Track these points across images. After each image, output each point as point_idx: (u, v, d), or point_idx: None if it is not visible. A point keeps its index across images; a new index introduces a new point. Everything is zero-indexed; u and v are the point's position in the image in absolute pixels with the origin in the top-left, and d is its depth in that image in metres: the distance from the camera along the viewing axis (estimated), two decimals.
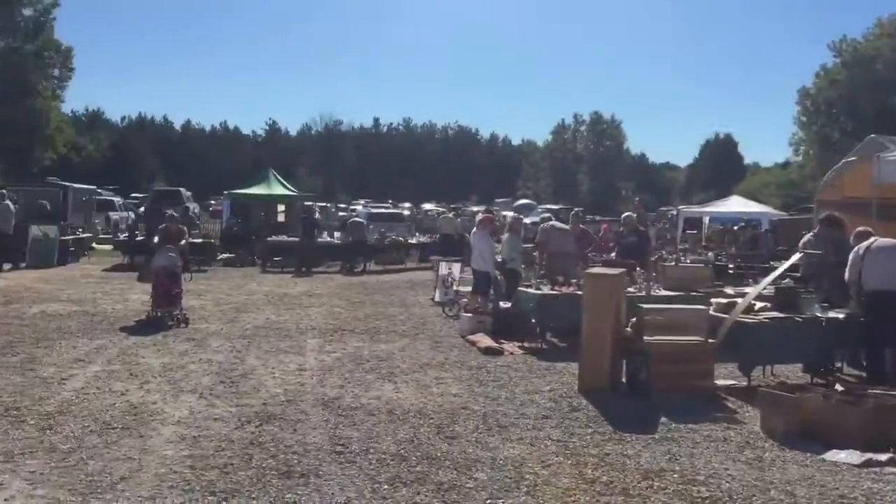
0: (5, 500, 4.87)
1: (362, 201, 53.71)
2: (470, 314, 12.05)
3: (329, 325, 12.39)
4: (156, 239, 12.97)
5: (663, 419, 7.26)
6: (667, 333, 8.45)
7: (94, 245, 26.46)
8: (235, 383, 8.21)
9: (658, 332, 8.43)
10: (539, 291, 11.06)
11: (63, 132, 48.96)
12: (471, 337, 11.23)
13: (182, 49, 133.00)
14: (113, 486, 5.12)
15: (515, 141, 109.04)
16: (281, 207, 29.49)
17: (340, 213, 40.29)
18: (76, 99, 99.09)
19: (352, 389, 8.12)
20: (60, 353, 9.60)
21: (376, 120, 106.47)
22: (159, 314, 11.66)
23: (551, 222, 13.85)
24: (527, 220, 20.59)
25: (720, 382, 8.64)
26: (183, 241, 12.72)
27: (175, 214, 14.01)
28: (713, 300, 9.66)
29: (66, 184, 26.63)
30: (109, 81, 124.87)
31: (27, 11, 44.32)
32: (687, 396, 7.95)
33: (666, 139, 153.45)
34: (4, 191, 20.93)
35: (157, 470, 5.45)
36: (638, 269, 11.89)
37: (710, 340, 8.37)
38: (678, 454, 6.27)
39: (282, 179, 29.21)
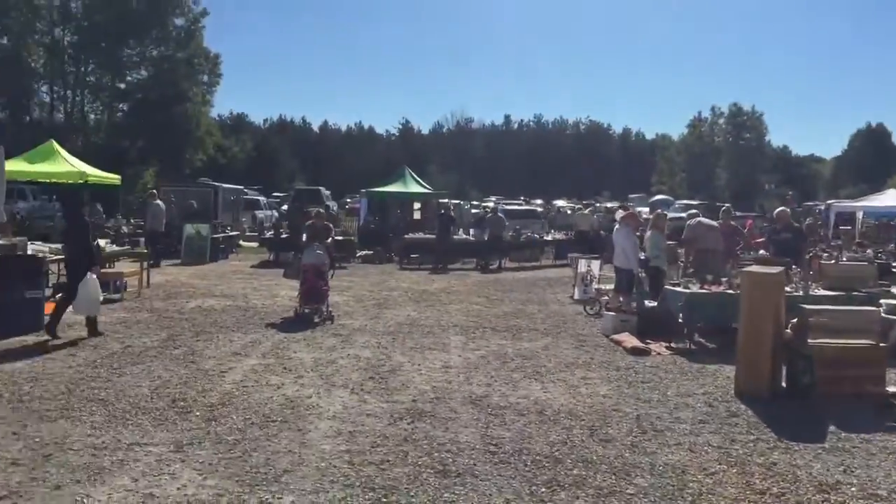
0: (178, 488, 5.09)
1: (493, 198, 53.76)
2: (613, 313, 11.78)
3: (470, 323, 12.40)
4: (303, 237, 13.36)
5: (832, 427, 6.81)
6: (832, 336, 7.94)
7: (241, 242, 27.71)
8: (384, 379, 8.32)
9: (822, 335, 7.93)
10: (688, 290, 10.66)
11: (212, 135, 51.69)
12: (615, 336, 10.96)
13: (320, 53, 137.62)
14: (277, 479, 5.27)
15: (649, 135, 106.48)
16: (417, 205, 29.92)
17: (473, 211, 40.48)
18: (222, 103, 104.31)
19: (499, 388, 8.06)
20: (218, 346, 10.04)
21: (507, 117, 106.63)
22: (307, 311, 11.98)
23: (698, 218, 13.33)
24: None
25: (892, 389, 8.03)
26: (329, 239, 13.05)
27: (322, 211, 14.42)
28: (883, 301, 9.01)
29: (217, 184, 27.99)
30: (252, 86, 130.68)
31: (179, 21, 47.09)
32: (855, 403, 7.45)
33: (810, 130, 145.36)
34: (155, 191, 22.25)
35: (317, 464, 5.57)
36: (793, 267, 11.25)
37: (882, 344, 7.80)
38: (853, 466, 5.85)
39: (417, 177, 29.62)
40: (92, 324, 10.51)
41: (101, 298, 10.91)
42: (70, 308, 10.47)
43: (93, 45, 44.97)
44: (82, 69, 46.52)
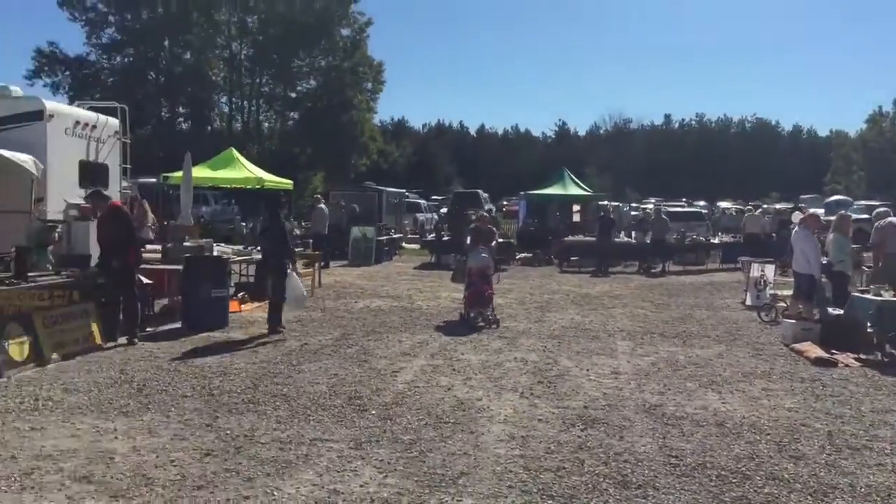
0: (360, 485, 5.21)
1: (653, 200, 52.23)
2: (793, 320, 11.09)
3: (637, 328, 12.08)
4: (467, 239, 13.48)
5: None
6: None
7: (404, 244, 28.41)
8: (553, 384, 8.22)
9: None
10: (879, 297, 9.88)
11: (375, 141, 53.40)
12: (796, 346, 10.32)
13: (477, 58, 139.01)
14: (455, 481, 5.29)
15: (822, 132, 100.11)
16: (576, 207, 29.58)
17: (633, 213, 39.52)
18: (384, 109, 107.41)
19: (673, 397, 7.77)
20: (388, 346, 10.28)
21: (667, 116, 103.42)
22: (472, 314, 12.02)
23: (889, 218, 12.33)
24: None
25: None
26: (493, 242, 13.08)
27: (485, 214, 14.49)
28: None
29: (381, 188, 28.83)
30: (412, 92, 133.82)
31: (345, 32, 48.94)
32: None
33: None
34: (319, 195, 23.18)
35: (493, 468, 5.56)
36: None
37: None
38: None
39: (576, 179, 29.27)
40: (274, 322, 11.07)
41: (306, 294, 11.60)
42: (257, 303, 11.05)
43: (267, 57, 47.63)
44: (257, 80, 49.38)
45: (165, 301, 12.46)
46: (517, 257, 24.11)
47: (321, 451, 5.87)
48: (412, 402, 7.38)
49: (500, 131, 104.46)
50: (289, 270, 11.15)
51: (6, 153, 10.81)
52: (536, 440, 6.23)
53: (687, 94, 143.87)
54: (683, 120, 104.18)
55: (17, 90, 13.24)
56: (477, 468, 5.55)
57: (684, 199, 50.25)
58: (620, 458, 5.83)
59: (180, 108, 49.22)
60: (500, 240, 23.01)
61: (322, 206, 22.23)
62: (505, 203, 50.85)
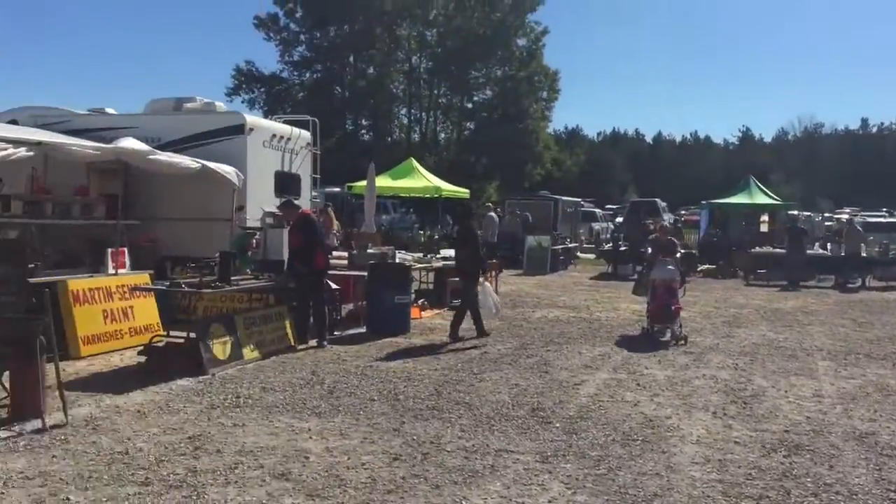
0: (548, 500, 5.09)
1: (847, 209, 48.57)
2: None
3: (838, 347, 11.19)
4: (647, 250, 13.04)
5: None
6: None
7: (579, 254, 28.05)
8: (748, 405, 7.74)
9: None
10: None
11: (549, 149, 53.26)
12: None
13: (653, 63, 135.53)
14: (648, 502, 5.06)
15: None
16: (764, 217, 28.02)
17: (826, 223, 36.93)
18: (558, 118, 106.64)
19: (886, 425, 7.09)
20: (568, 357, 10.10)
21: (864, 120, 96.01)
22: (656, 328, 11.57)
23: None
24: None
25: None
26: (677, 254, 12.57)
27: (666, 224, 13.99)
28: None
29: (556, 196, 28.65)
30: (587, 100, 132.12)
31: (521, 42, 49.19)
32: None
33: None
34: (490, 204, 23.28)
35: (689, 491, 5.26)
36: None
37: None
38: None
39: (763, 187, 27.75)
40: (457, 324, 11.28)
41: (498, 301, 11.74)
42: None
43: (444, 69, 48.72)
44: (435, 92, 50.64)
45: (351, 306, 12.91)
46: (698, 269, 23.13)
47: (507, 462, 5.80)
48: (597, 416, 7.17)
49: (678, 138, 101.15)
50: (482, 279, 11.28)
51: (212, 165, 11.62)
52: (734, 464, 5.85)
53: (886, 96, 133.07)
54: (882, 124, 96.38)
55: (220, 105, 14.27)
56: (671, 490, 5.28)
57: (885, 210, 46.40)
58: (831, 489, 5.35)
59: (362, 121, 51.27)
60: (683, 251, 22.26)
61: (492, 213, 22.35)
62: (684, 212, 49.05)
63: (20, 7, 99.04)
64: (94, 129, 12.68)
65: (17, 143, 9.50)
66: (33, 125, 12.13)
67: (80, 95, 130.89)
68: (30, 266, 9.06)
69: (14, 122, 12.51)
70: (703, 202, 29.87)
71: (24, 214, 10.21)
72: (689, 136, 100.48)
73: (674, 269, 11.72)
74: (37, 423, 6.26)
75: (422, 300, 14.03)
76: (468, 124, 51.64)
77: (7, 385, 6.47)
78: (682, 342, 11.15)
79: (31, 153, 9.80)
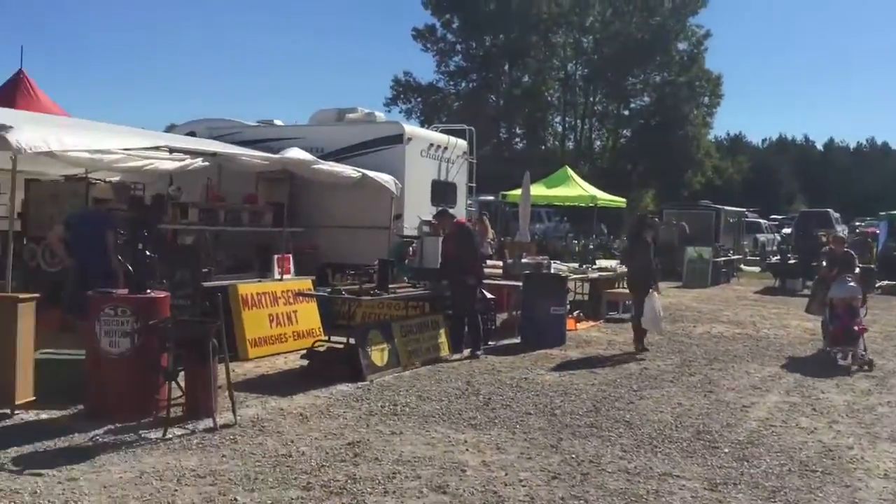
0: None
1: None
2: None
3: None
4: (821, 264, 12.17)
5: None
6: None
7: (742, 266, 26.74)
8: None
9: None
10: None
11: (710, 157, 51.22)
12: None
13: (824, 65, 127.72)
14: None
15: None
16: None
17: None
18: (720, 124, 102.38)
19: None
20: (735, 376, 9.56)
21: None
22: (835, 352, 10.63)
23: None
24: None
25: None
26: (856, 269, 11.64)
27: (840, 236, 13.05)
28: None
29: (718, 206, 27.45)
30: (752, 105, 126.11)
31: (682, 46, 47.60)
32: None
33: None
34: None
35: None
36: None
37: None
38: None
39: None
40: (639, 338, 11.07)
41: (662, 315, 11.41)
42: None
43: (600, 76, 47.92)
44: (591, 99, 49.90)
45: (505, 316, 12.81)
46: (878, 285, 21.44)
47: (672, 488, 5.49)
48: (769, 442, 6.70)
49: (853, 145, 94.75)
50: (651, 290, 10.93)
51: (372, 174, 11.88)
52: None
53: None
54: None
55: (380, 115, 14.59)
56: None
57: None
58: None
59: (516, 129, 51.26)
60: (860, 266, 20.71)
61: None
62: (859, 224, 45.78)
63: (202, 26, 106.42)
64: (262, 139, 13.26)
65: (195, 153, 10.07)
66: (208, 136, 12.86)
67: (248, 107, 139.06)
68: (203, 270, 9.60)
69: (192, 133, 13.33)
70: (882, 213, 27.84)
71: (199, 221, 10.80)
72: (864, 142, 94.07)
73: (855, 287, 10.76)
74: (209, 423, 6.55)
75: (577, 311, 13.74)
76: (624, 131, 50.57)
77: (182, 385, 6.79)
78: (867, 367, 10.21)
79: (207, 163, 10.37)
